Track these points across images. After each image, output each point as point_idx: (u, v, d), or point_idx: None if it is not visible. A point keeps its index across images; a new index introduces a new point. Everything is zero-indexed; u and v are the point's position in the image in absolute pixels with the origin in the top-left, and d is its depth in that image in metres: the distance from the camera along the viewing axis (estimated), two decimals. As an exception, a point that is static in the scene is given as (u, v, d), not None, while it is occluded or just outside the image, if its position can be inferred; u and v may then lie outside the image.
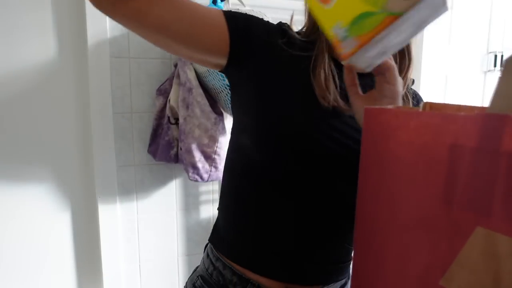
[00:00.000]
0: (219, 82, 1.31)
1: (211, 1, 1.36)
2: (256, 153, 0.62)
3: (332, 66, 0.62)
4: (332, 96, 0.60)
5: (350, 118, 0.62)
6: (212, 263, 0.68)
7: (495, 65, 2.06)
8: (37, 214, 1.35)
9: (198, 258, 1.08)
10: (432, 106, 0.52)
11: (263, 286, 0.64)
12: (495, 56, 2.05)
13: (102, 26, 1.31)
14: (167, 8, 0.56)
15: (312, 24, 0.65)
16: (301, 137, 0.59)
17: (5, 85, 1.28)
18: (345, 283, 0.72)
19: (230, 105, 1.35)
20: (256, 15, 1.21)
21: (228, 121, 1.35)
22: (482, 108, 0.45)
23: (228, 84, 1.33)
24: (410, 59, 0.67)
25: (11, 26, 1.26)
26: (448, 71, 1.95)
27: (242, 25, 0.62)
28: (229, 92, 1.31)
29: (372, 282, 0.45)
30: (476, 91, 2.08)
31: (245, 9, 1.36)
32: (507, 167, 0.33)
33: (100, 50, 1.32)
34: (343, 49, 0.43)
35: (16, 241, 1.34)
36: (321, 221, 0.63)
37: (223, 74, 1.30)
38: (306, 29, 0.67)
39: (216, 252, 0.68)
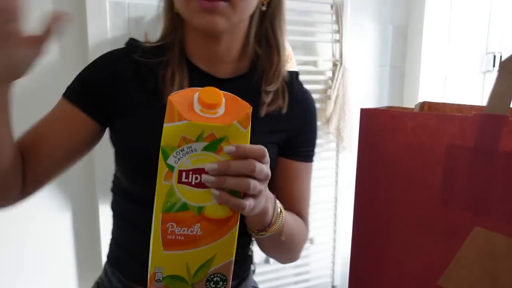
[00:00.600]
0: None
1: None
2: (122, 178, 0.65)
3: (184, 66, 0.62)
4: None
5: None
6: (105, 269, 0.72)
7: (494, 66, 2.06)
8: (37, 214, 1.35)
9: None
10: (430, 105, 0.52)
11: None
12: (494, 56, 2.05)
13: (102, 27, 1.32)
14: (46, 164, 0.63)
15: (168, 24, 0.65)
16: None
17: (6, 85, 1.28)
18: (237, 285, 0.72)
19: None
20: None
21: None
22: (481, 108, 0.45)
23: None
24: (279, 55, 0.66)
25: (12, 26, 1.26)
26: (447, 71, 1.95)
27: (82, 90, 0.64)
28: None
29: (370, 283, 0.45)
30: (475, 91, 2.08)
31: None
32: (504, 167, 0.34)
33: (101, 50, 1.31)
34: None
35: (16, 241, 1.34)
36: None
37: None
38: (163, 31, 0.66)
39: (107, 261, 0.73)
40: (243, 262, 0.75)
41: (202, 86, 0.53)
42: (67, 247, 1.41)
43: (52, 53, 1.32)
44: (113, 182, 0.72)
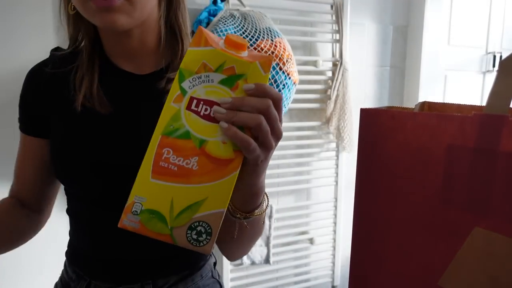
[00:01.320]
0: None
1: (211, 2, 1.36)
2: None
3: (95, 68, 0.61)
4: (98, 100, 0.59)
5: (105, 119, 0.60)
6: (65, 268, 0.75)
7: (493, 66, 2.06)
8: (37, 214, 1.35)
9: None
10: (430, 106, 0.52)
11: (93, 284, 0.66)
12: (494, 56, 2.05)
13: (102, 27, 1.32)
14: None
15: (73, 28, 0.64)
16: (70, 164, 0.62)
17: (5, 85, 1.28)
18: (183, 278, 0.68)
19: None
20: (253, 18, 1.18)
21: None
22: (481, 108, 0.45)
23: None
24: (183, 42, 0.63)
25: (12, 26, 1.26)
26: (447, 71, 1.95)
27: (22, 117, 0.69)
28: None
29: (370, 283, 0.45)
30: (475, 91, 2.08)
31: (245, 9, 1.36)
32: (504, 167, 0.34)
33: (100, 50, 1.32)
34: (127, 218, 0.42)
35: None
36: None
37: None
38: (69, 36, 0.65)
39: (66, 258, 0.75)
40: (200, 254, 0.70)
41: (118, 86, 0.57)
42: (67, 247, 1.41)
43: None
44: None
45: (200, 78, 0.41)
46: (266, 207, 0.55)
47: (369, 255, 0.45)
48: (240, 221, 0.53)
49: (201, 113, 0.41)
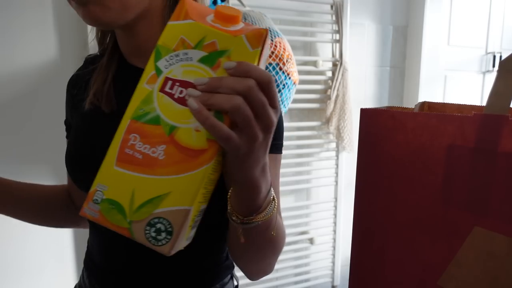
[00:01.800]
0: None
1: (211, 2, 1.36)
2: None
3: (112, 67, 0.60)
4: (105, 98, 0.58)
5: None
6: (82, 273, 0.71)
7: (493, 66, 2.06)
8: (37, 214, 1.35)
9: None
10: (430, 105, 0.52)
11: None
12: (494, 56, 2.05)
13: (102, 27, 1.32)
14: None
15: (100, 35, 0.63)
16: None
17: (5, 85, 1.28)
18: None
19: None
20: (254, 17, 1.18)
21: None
22: (481, 108, 0.45)
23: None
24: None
25: (12, 26, 1.26)
26: (447, 71, 1.95)
27: (66, 125, 0.72)
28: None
29: (371, 282, 0.45)
30: (475, 91, 2.08)
31: (245, 9, 1.36)
32: (504, 167, 0.34)
33: (100, 50, 1.32)
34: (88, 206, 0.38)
35: (16, 241, 1.34)
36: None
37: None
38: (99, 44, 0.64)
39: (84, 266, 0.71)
40: (216, 273, 0.64)
41: (129, 83, 0.46)
42: (67, 247, 1.41)
43: (51, 53, 1.32)
44: None
45: (178, 56, 0.37)
46: (274, 212, 0.47)
47: (369, 255, 0.45)
48: (242, 226, 0.46)
49: (175, 96, 0.37)
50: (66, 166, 0.64)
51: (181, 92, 0.37)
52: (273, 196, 0.47)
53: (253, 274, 0.62)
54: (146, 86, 0.38)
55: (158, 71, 0.37)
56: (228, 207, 0.46)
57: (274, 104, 0.37)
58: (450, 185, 0.37)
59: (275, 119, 0.37)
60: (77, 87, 0.65)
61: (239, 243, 0.48)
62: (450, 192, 0.37)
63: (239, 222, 0.45)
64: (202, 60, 0.37)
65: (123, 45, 0.61)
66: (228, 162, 0.39)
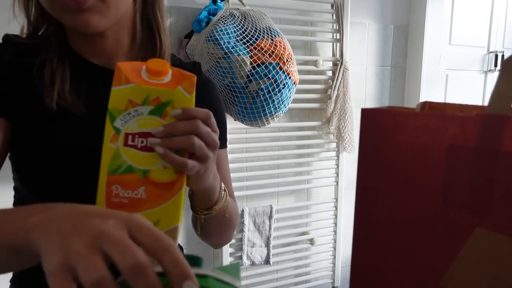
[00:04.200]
0: (219, 82, 1.31)
1: (210, 1, 1.36)
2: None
3: (66, 63, 0.57)
4: (71, 101, 0.56)
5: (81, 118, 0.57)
6: None
7: (495, 65, 2.05)
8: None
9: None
10: (431, 105, 0.51)
11: None
12: (496, 55, 2.05)
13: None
14: None
15: (35, 20, 0.58)
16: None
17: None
18: None
19: (230, 107, 1.36)
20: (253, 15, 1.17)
21: (228, 123, 1.34)
22: (483, 108, 0.45)
23: (228, 84, 1.34)
24: (161, 39, 0.60)
25: (11, 26, 1.25)
26: (448, 70, 1.94)
27: None
28: (229, 91, 1.32)
29: (371, 283, 0.44)
30: (477, 90, 2.08)
31: (245, 8, 1.35)
32: (506, 167, 0.33)
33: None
34: None
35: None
36: None
37: (223, 73, 1.30)
38: (30, 28, 0.59)
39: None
40: None
41: (91, 82, 0.57)
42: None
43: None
44: (15, 196, 0.67)
45: (130, 114, 0.44)
46: (226, 201, 0.61)
47: (370, 256, 0.44)
48: (204, 216, 0.59)
49: (138, 146, 0.44)
50: (28, 159, 0.56)
51: (142, 141, 0.44)
52: (224, 188, 0.60)
53: (216, 246, 0.75)
54: (111, 145, 0.44)
55: (117, 130, 0.44)
56: (191, 204, 0.60)
57: (214, 130, 0.48)
58: (452, 185, 0.36)
59: (217, 141, 0.48)
60: (23, 76, 0.57)
61: (202, 227, 0.61)
62: (452, 193, 0.36)
63: (201, 214, 0.59)
64: (152, 113, 0.44)
65: (84, 45, 0.58)
66: (190, 179, 0.49)
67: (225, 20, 1.28)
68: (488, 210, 0.34)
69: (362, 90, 1.84)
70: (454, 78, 1.96)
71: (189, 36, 1.37)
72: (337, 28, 1.63)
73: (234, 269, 0.34)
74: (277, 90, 1.31)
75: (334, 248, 1.80)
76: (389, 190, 0.41)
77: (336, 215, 1.78)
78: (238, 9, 1.34)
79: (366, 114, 0.42)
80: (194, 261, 0.34)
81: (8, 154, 0.60)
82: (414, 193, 0.39)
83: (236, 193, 1.46)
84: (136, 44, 0.60)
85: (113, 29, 0.57)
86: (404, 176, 0.39)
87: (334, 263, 1.82)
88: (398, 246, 0.41)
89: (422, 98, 1.84)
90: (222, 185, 0.60)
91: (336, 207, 1.77)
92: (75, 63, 0.59)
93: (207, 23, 1.31)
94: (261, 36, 1.28)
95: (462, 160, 0.35)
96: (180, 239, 1.49)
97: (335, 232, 1.79)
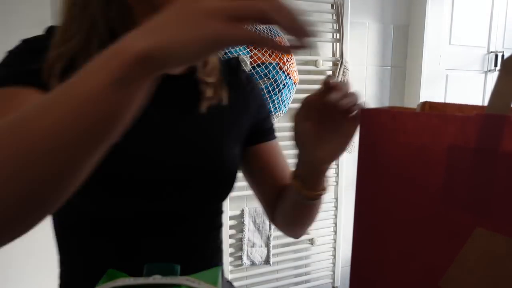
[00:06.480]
0: (219, 82, 1.31)
1: None
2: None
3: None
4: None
5: None
6: None
7: (495, 65, 2.05)
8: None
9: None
10: (431, 105, 0.51)
11: None
12: (496, 55, 2.05)
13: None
14: None
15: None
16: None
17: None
18: None
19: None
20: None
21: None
22: (483, 108, 0.45)
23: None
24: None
25: (11, 26, 1.26)
26: (448, 70, 1.94)
27: (21, 71, 0.49)
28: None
29: (371, 283, 0.44)
30: (477, 90, 2.08)
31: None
32: (505, 167, 0.33)
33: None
34: None
35: (16, 241, 1.34)
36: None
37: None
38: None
39: None
40: (214, 257, 0.66)
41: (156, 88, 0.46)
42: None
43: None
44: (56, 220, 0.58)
45: None
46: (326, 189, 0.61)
47: (370, 256, 0.44)
48: (313, 202, 0.59)
49: None
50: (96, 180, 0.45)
51: None
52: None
53: (299, 235, 0.73)
54: None
55: None
56: (299, 188, 0.57)
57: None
58: (451, 185, 0.36)
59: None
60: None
61: (294, 214, 0.63)
62: (451, 193, 0.36)
63: (313, 199, 0.59)
64: None
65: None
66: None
67: (225, 20, 1.27)
68: (488, 211, 0.34)
69: (362, 90, 1.84)
70: (454, 78, 1.96)
71: (189, 36, 1.37)
72: (337, 28, 1.63)
73: (214, 274, 0.33)
74: (277, 90, 1.31)
75: (334, 248, 1.80)
76: (389, 190, 0.41)
77: (336, 215, 1.78)
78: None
79: (366, 114, 0.42)
80: (169, 270, 0.32)
81: None
82: (414, 193, 0.39)
83: (236, 193, 1.46)
84: None
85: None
86: (404, 176, 0.39)
87: (334, 263, 1.82)
88: (397, 245, 0.41)
89: (422, 98, 1.84)
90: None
91: (336, 207, 1.77)
92: None
93: (207, 23, 1.31)
94: (261, 36, 1.28)
95: (462, 160, 0.35)
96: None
97: (335, 232, 1.79)
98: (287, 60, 1.31)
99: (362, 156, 0.43)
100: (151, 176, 0.52)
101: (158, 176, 0.52)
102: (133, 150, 0.51)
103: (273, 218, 0.71)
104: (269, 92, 1.30)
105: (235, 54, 1.25)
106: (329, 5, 1.63)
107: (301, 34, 0.32)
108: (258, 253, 1.63)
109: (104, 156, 0.34)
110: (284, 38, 1.34)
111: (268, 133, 0.69)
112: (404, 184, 0.40)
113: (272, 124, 0.71)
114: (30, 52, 0.54)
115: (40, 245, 1.37)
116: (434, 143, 0.37)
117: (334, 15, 1.63)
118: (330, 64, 1.67)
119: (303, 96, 0.52)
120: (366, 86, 1.85)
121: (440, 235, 0.37)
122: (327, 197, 1.78)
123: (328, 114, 0.48)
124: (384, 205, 0.42)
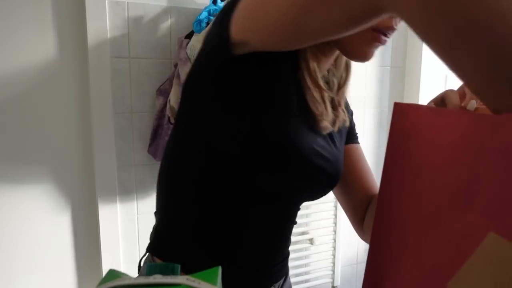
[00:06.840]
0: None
1: (211, 2, 1.35)
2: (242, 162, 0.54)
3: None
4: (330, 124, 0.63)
5: None
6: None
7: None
8: (37, 214, 1.34)
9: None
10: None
11: None
12: (495, 56, 2.05)
13: (102, 26, 1.31)
14: None
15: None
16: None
17: (5, 85, 1.27)
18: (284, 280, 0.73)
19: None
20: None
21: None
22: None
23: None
24: (348, 72, 0.66)
25: (11, 26, 1.25)
26: (448, 71, 1.95)
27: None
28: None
29: (384, 278, 0.44)
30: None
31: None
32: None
33: (100, 50, 1.31)
34: None
35: (16, 241, 1.33)
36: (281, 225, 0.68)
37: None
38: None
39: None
40: (286, 260, 0.75)
41: None
42: (67, 247, 1.40)
43: (51, 52, 1.31)
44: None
45: None
46: None
47: (386, 251, 0.44)
48: None
49: None
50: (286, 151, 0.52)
51: None
52: None
53: None
54: None
55: None
56: None
57: None
58: (473, 187, 0.36)
59: None
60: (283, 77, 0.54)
61: None
62: (472, 195, 0.36)
63: None
64: None
65: (319, 68, 0.59)
66: None
67: (226, 20, 1.27)
68: (503, 216, 0.34)
69: (362, 90, 1.84)
70: (453, 79, 1.97)
71: (189, 36, 1.37)
72: (337, 28, 1.63)
73: (213, 274, 0.32)
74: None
75: (334, 248, 1.81)
76: (412, 186, 0.41)
77: (336, 215, 1.78)
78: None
79: (398, 108, 0.42)
80: (169, 269, 0.31)
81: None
82: (436, 192, 0.38)
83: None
84: None
85: None
86: (429, 173, 0.39)
87: (333, 263, 1.82)
88: (414, 242, 0.41)
89: (422, 98, 1.85)
90: None
91: (336, 207, 1.78)
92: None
93: (208, 23, 1.31)
94: (262, 36, 1.28)
95: (487, 163, 0.34)
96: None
97: (335, 232, 1.79)
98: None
99: (390, 150, 0.43)
100: (330, 178, 0.61)
101: (333, 178, 0.61)
102: (327, 155, 0.59)
103: (362, 234, 0.72)
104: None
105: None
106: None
107: None
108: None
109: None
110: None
111: (356, 136, 0.75)
112: (428, 181, 0.39)
113: (355, 129, 0.76)
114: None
115: (42, 246, 1.37)
116: (463, 142, 0.36)
117: (334, 15, 1.63)
118: (330, 64, 1.67)
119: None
120: (365, 86, 1.85)
121: (455, 236, 0.37)
122: (327, 197, 1.78)
123: None
124: (406, 201, 0.42)
